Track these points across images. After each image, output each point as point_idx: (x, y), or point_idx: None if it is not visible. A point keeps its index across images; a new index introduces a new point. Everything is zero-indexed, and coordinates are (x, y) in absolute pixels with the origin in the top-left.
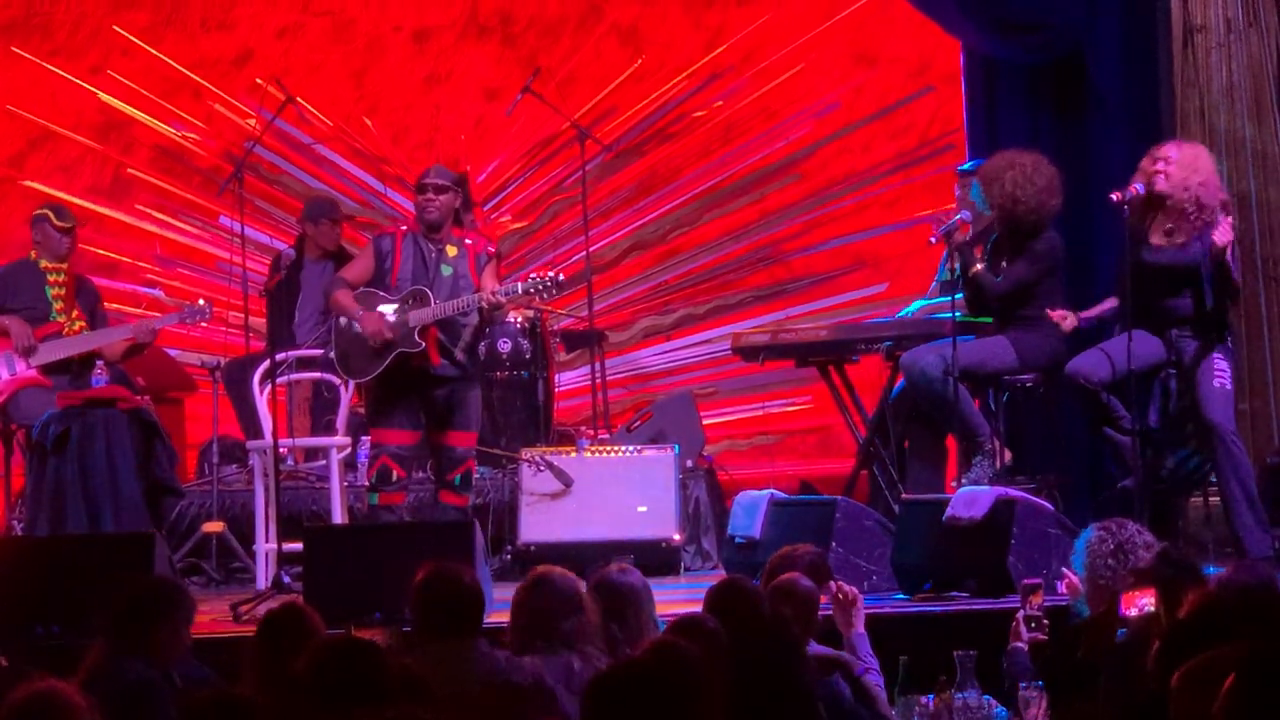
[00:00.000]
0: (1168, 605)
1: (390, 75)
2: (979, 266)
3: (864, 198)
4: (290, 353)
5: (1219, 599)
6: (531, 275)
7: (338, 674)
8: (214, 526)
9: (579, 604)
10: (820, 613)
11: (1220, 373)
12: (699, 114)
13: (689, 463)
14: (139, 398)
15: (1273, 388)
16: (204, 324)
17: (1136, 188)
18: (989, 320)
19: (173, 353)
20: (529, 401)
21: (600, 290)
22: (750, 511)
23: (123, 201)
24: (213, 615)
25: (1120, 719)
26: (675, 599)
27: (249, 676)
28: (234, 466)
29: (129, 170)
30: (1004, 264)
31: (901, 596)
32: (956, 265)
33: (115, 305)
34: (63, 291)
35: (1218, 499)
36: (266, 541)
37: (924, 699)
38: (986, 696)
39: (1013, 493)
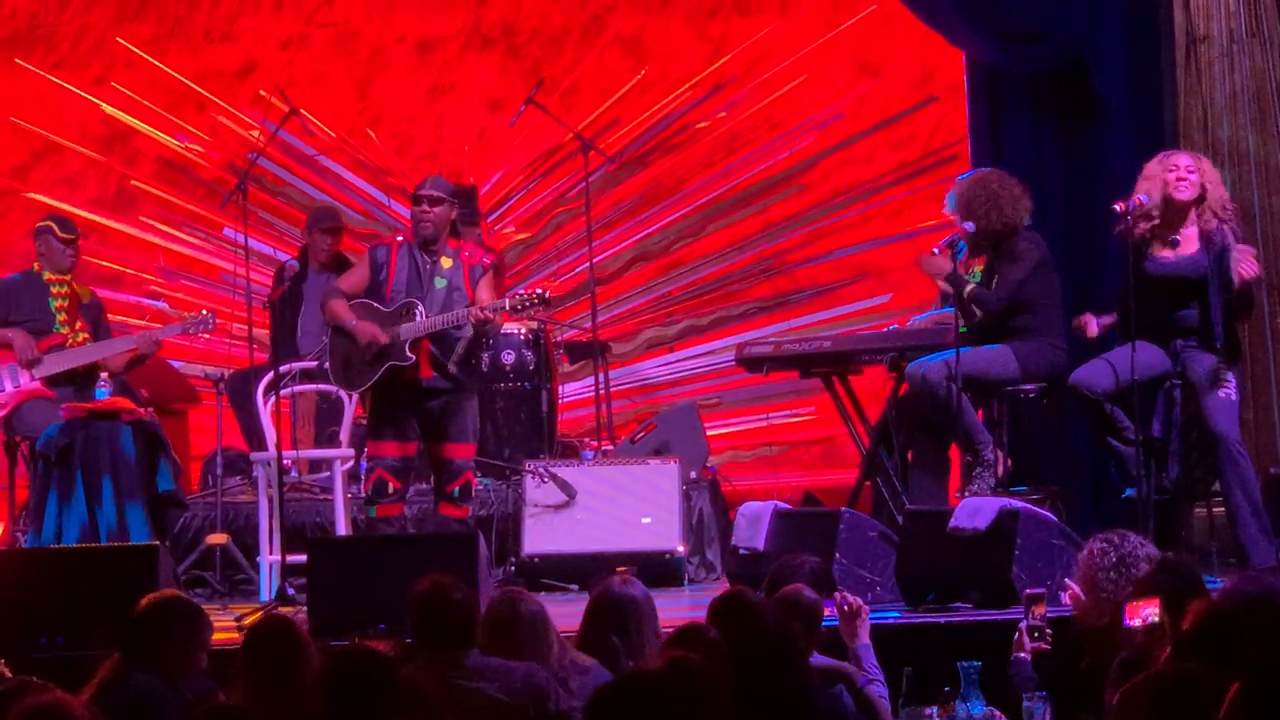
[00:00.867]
0: (1172, 615)
1: (394, 87)
2: (971, 286)
3: (867, 208)
4: (294, 364)
5: (1224, 609)
6: (519, 292)
7: (349, 684)
8: (218, 538)
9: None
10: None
11: (1226, 382)
12: (702, 125)
13: (693, 474)
14: (143, 409)
15: (1277, 398)
16: (207, 335)
17: (1140, 198)
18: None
19: (176, 364)
20: (533, 413)
21: (604, 301)
22: (754, 523)
23: (126, 213)
24: (217, 628)
25: None
26: (679, 610)
27: (238, 689)
28: (238, 478)
29: (132, 182)
30: (996, 274)
31: (905, 607)
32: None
33: (119, 317)
34: (66, 304)
35: (1222, 509)
36: (270, 553)
37: (927, 710)
38: (990, 708)
39: (1016, 503)
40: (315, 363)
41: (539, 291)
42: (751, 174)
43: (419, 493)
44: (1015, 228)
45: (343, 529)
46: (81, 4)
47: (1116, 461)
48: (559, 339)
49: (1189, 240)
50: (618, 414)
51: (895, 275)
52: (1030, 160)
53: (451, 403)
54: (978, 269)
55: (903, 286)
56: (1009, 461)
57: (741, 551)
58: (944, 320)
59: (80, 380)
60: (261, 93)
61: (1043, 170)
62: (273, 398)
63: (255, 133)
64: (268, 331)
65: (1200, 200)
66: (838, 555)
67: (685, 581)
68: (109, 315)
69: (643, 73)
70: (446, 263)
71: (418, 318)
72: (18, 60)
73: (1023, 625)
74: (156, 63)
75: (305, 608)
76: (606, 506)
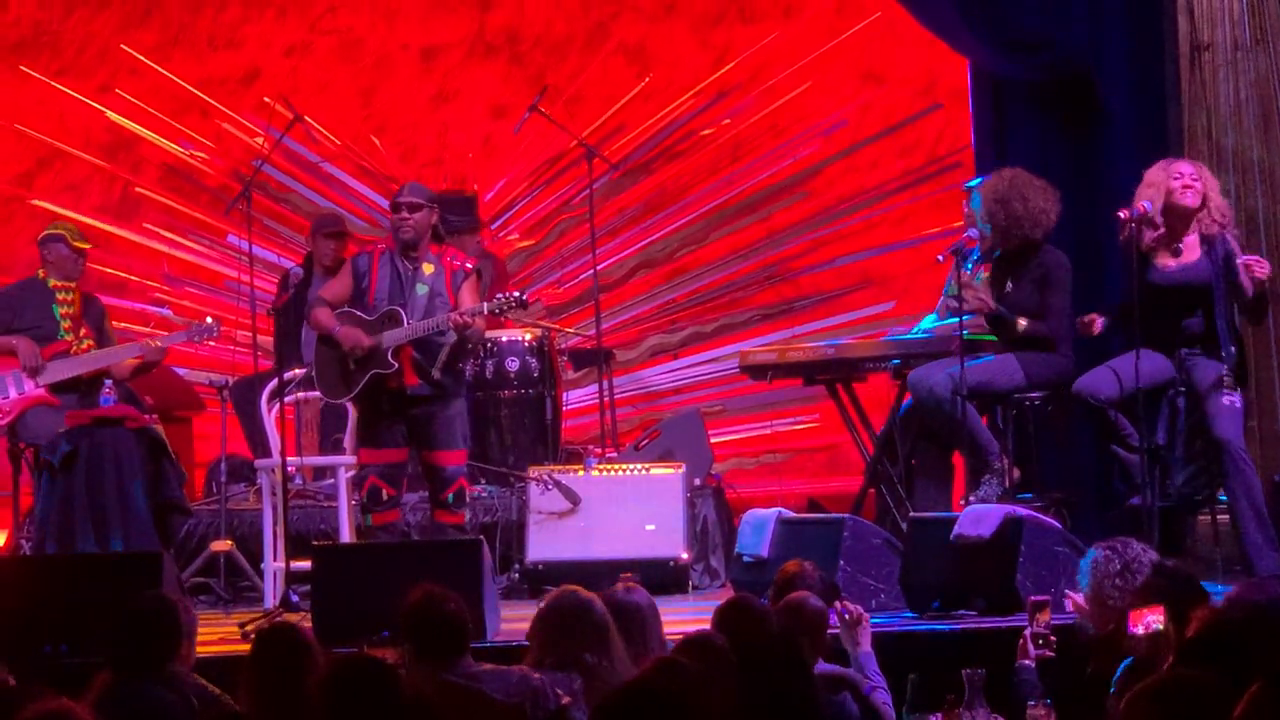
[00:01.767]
0: (1176, 622)
1: (398, 94)
2: (1024, 323)
3: (871, 215)
4: (298, 371)
5: (1228, 617)
6: (497, 295)
7: (350, 692)
8: (222, 545)
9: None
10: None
11: (1229, 390)
12: (706, 132)
13: (697, 481)
14: (147, 416)
15: None
16: (212, 342)
17: (1144, 205)
18: (994, 338)
19: (181, 371)
20: (537, 420)
21: (608, 309)
22: (758, 530)
23: (131, 220)
24: (221, 634)
25: None
26: (683, 617)
27: (244, 695)
28: (242, 485)
29: (137, 189)
30: (1009, 282)
31: (909, 615)
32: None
33: (123, 324)
34: (71, 310)
35: (1227, 517)
36: (275, 560)
37: (932, 718)
38: (995, 715)
39: (1021, 511)
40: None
41: (516, 294)
42: (755, 181)
43: (423, 500)
44: (1041, 232)
45: (347, 536)
46: (86, 11)
47: (1121, 469)
48: (563, 346)
49: (1191, 248)
50: (622, 421)
51: (899, 283)
52: (1034, 168)
53: (438, 409)
54: (982, 274)
55: (906, 294)
56: (1015, 470)
57: (746, 559)
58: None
59: (85, 387)
60: (266, 100)
61: (1047, 178)
62: (277, 404)
63: (260, 140)
64: (272, 338)
65: (1202, 207)
66: (842, 562)
67: (689, 588)
68: (113, 322)
69: (646, 80)
70: (428, 269)
71: (404, 324)
72: (22, 67)
73: (1027, 632)
74: (161, 70)
75: (310, 614)
76: (611, 513)
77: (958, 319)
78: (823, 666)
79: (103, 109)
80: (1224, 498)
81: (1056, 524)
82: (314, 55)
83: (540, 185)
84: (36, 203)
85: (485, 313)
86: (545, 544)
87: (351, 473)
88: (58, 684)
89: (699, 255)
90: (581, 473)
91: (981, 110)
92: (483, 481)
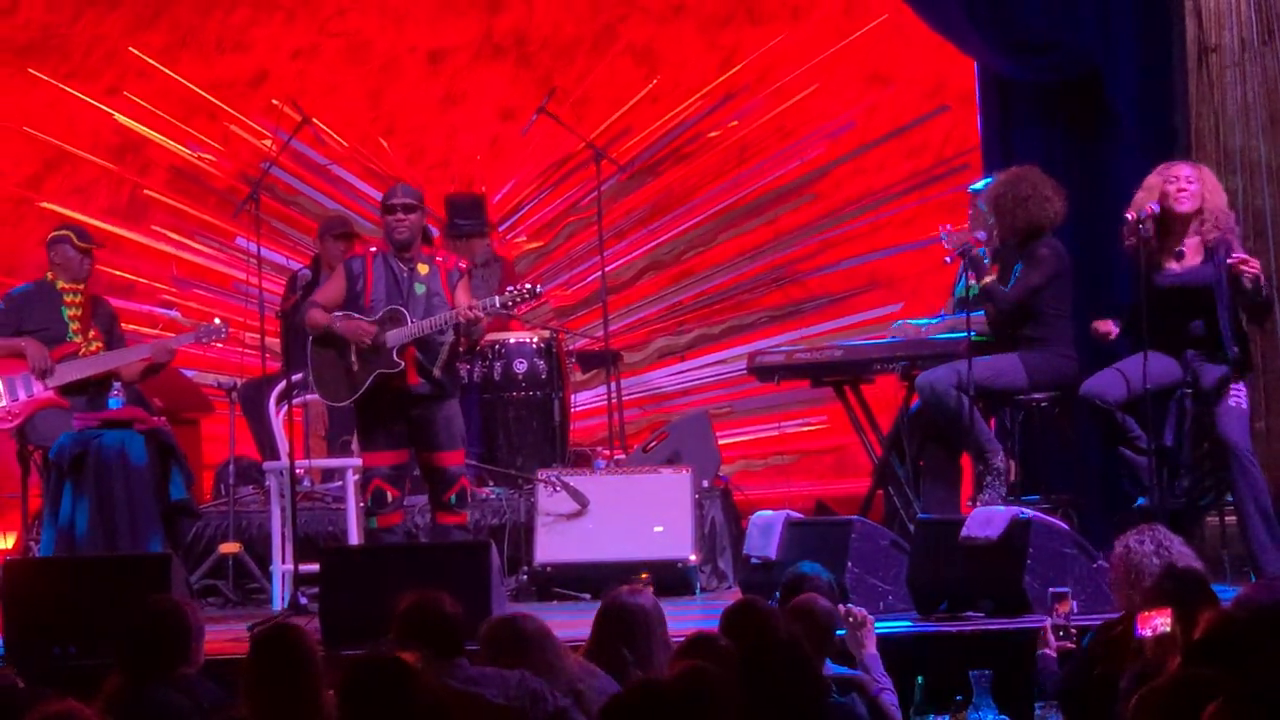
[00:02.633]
0: (1183, 625)
1: (406, 96)
2: (990, 278)
3: (879, 217)
4: (306, 373)
5: (1236, 619)
6: (508, 288)
7: (369, 692)
8: (231, 547)
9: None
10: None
11: (1236, 392)
12: (714, 134)
13: (705, 483)
14: (156, 419)
15: None
16: (220, 344)
17: (1152, 207)
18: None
19: (189, 374)
20: (545, 422)
21: (615, 310)
22: (766, 532)
23: (139, 222)
24: (229, 636)
25: None
26: (690, 619)
27: (244, 698)
28: (250, 487)
29: (145, 191)
30: (1013, 275)
31: (917, 616)
32: (973, 279)
33: (132, 326)
34: (79, 312)
35: (1234, 518)
36: (283, 562)
37: (939, 719)
38: (1002, 716)
39: (1028, 513)
40: None
41: (528, 286)
42: (763, 183)
43: (422, 505)
44: (1041, 229)
45: (355, 538)
46: (94, 14)
47: (1128, 471)
48: (571, 348)
49: (1193, 251)
50: (629, 423)
51: (907, 284)
52: (1041, 169)
53: (437, 410)
54: (989, 278)
55: (914, 295)
56: (1020, 471)
57: (753, 560)
58: (952, 326)
59: (93, 389)
60: (274, 102)
61: (1053, 179)
62: (285, 407)
63: (268, 142)
64: (280, 340)
65: (1199, 212)
66: (850, 564)
67: (697, 590)
68: (122, 325)
69: (654, 82)
70: (423, 269)
71: (408, 323)
72: (31, 70)
73: (1048, 623)
74: (169, 72)
75: (318, 617)
76: (618, 515)
77: (963, 315)
78: (831, 668)
79: (111, 111)
80: (1231, 499)
81: (1064, 526)
82: (322, 58)
83: (548, 187)
84: (45, 205)
85: (498, 306)
86: (553, 546)
87: (359, 475)
88: (65, 686)
89: (707, 257)
90: (589, 474)
91: (989, 112)
92: (490, 483)
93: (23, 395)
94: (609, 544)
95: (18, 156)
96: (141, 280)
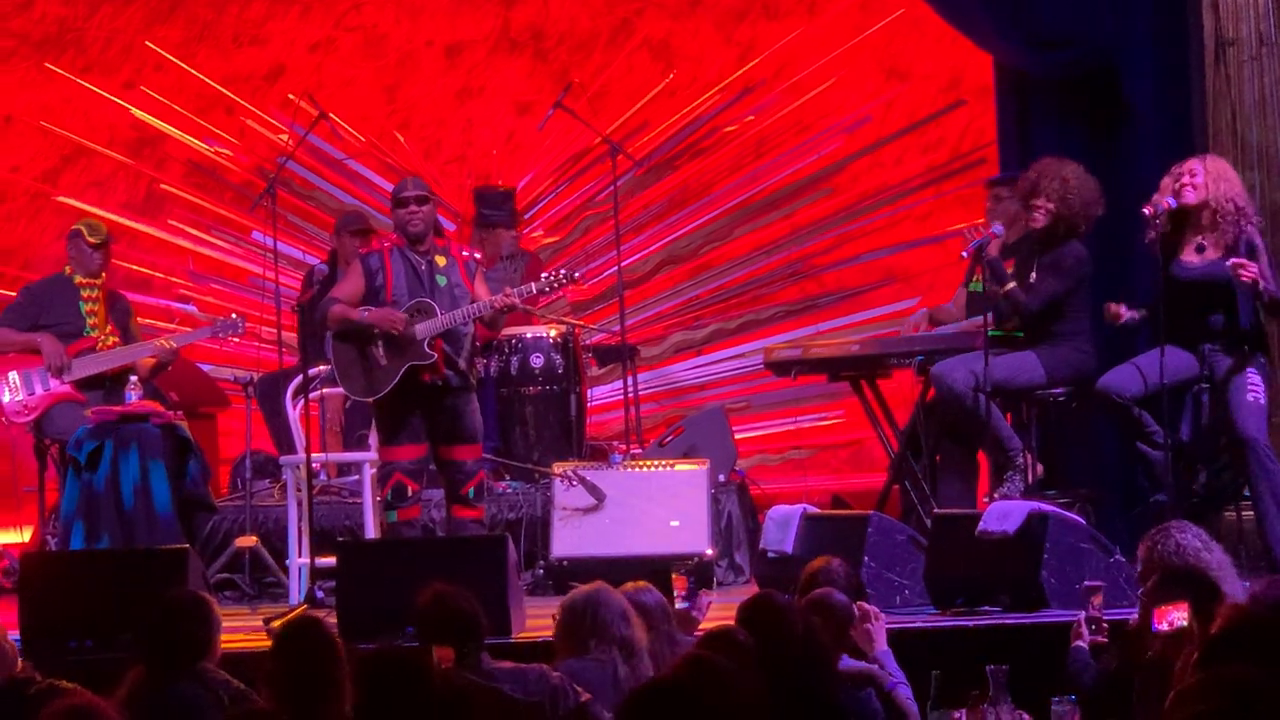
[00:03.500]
0: (1199, 619)
1: (422, 90)
2: (1011, 285)
3: (895, 212)
4: (323, 367)
5: (1253, 614)
6: (543, 274)
7: (385, 685)
8: (247, 541)
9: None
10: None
11: (1253, 386)
12: (730, 129)
13: (721, 477)
14: (172, 413)
15: None
16: (237, 339)
17: (1169, 201)
18: (1020, 334)
19: (206, 368)
20: (561, 416)
21: (632, 305)
22: (783, 526)
23: (156, 217)
24: (246, 630)
25: None
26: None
27: (265, 690)
28: (267, 481)
29: (162, 186)
30: (1033, 273)
31: (934, 611)
32: (986, 280)
33: (148, 320)
34: (97, 307)
35: (1251, 513)
36: (299, 556)
37: (956, 714)
38: (1019, 711)
39: (1045, 507)
40: None
41: (563, 271)
42: (780, 177)
43: (436, 500)
44: (1075, 229)
45: (372, 532)
46: (111, 8)
47: (1145, 466)
48: (588, 342)
49: (1213, 245)
50: (646, 417)
51: (923, 279)
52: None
53: (459, 403)
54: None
55: (931, 290)
56: (1039, 466)
57: (770, 555)
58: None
59: (110, 384)
60: (290, 96)
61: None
62: (301, 401)
63: (284, 136)
64: (296, 335)
65: (1204, 205)
66: (866, 559)
67: (714, 584)
68: (138, 319)
69: (671, 76)
70: (441, 261)
71: (437, 314)
72: (48, 64)
73: (1081, 616)
74: (186, 66)
75: (335, 610)
76: (635, 510)
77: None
78: (847, 663)
79: (128, 106)
80: (1248, 494)
81: (1081, 520)
82: (338, 52)
83: (564, 181)
84: (62, 200)
85: (534, 291)
86: (570, 540)
87: (376, 469)
88: (82, 679)
89: (723, 252)
90: (606, 469)
91: (1005, 106)
92: (507, 478)
93: (39, 389)
94: (625, 538)
95: (35, 151)
96: (158, 275)
